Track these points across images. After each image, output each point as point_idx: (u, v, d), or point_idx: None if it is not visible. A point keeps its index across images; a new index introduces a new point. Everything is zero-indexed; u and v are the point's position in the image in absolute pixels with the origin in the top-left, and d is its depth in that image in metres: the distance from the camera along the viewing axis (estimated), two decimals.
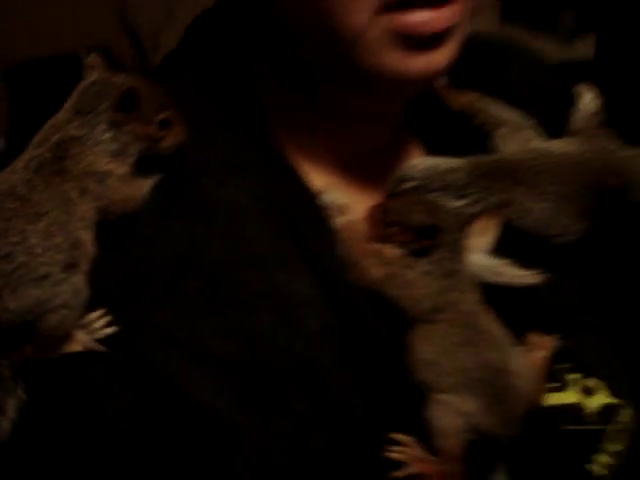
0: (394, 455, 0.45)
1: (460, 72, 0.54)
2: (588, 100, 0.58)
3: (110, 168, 0.40)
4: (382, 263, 0.47)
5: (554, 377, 0.52)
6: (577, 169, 0.52)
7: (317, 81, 0.48)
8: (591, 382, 0.54)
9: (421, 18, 0.42)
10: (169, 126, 0.42)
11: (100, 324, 0.40)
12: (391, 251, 0.47)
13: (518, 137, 0.54)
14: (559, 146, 0.54)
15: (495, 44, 0.62)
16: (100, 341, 0.40)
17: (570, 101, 0.59)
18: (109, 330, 0.40)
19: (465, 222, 0.49)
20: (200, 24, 0.51)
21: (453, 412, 0.46)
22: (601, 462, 0.53)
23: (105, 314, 0.40)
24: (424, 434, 0.46)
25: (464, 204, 0.50)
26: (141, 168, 0.42)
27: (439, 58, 0.44)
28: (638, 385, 0.61)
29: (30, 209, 0.38)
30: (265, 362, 0.43)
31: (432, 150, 0.54)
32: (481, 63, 0.58)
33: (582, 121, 0.57)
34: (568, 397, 0.53)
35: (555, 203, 0.52)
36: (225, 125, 0.48)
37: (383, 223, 0.48)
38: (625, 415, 0.55)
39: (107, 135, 0.40)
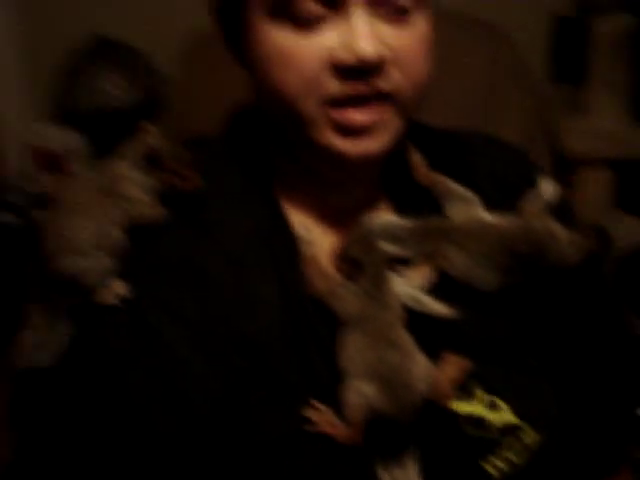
0: (310, 414, 0.64)
1: (437, 155, 0.74)
2: (543, 188, 0.74)
3: (139, 197, 0.65)
4: (327, 281, 0.67)
5: (465, 391, 0.68)
6: (497, 235, 0.69)
7: (300, 154, 0.70)
8: (498, 401, 0.68)
9: (351, 115, 0.63)
10: (187, 177, 0.67)
11: (120, 288, 0.65)
12: (334, 274, 0.67)
13: (463, 208, 0.71)
14: (491, 218, 0.70)
15: (473, 138, 0.79)
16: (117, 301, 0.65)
17: (528, 187, 0.75)
18: (126, 293, 0.65)
19: (393, 262, 0.68)
20: (237, 117, 0.76)
21: (358, 393, 0.63)
22: (495, 465, 0.67)
23: (124, 284, 0.65)
24: (339, 406, 0.65)
25: (400, 250, 0.68)
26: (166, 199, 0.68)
27: (369, 144, 0.64)
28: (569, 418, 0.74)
29: (85, 208, 0.64)
30: (225, 333, 0.65)
31: (399, 210, 0.73)
32: (454, 151, 0.76)
33: (529, 203, 0.73)
34: (474, 408, 0.68)
35: (474, 259, 0.68)
36: (239, 176, 0.71)
37: (335, 254, 0.68)
38: (527, 436, 0.68)
39: (140, 177, 0.65)
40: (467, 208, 0.71)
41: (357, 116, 0.63)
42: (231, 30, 0.68)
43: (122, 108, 2.04)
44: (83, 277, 0.64)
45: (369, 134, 0.64)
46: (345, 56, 0.61)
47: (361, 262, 0.66)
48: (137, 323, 0.65)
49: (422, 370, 0.65)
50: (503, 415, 0.68)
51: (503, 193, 0.75)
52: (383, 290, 0.66)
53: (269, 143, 0.73)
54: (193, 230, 0.68)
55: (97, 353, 0.65)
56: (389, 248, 0.68)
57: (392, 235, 0.69)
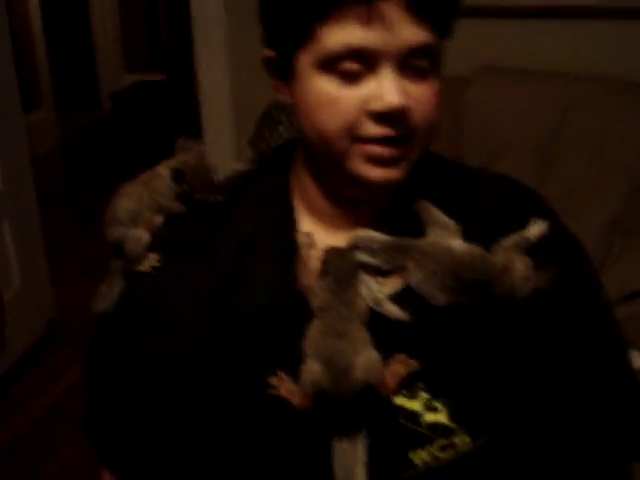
0: (274, 381, 0.79)
1: (438, 185, 0.88)
2: (530, 228, 0.83)
3: (164, 191, 0.86)
4: (309, 278, 0.82)
5: (410, 389, 0.79)
6: (449, 259, 0.79)
7: (329, 178, 0.85)
8: (437, 404, 0.78)
9: (377, 150, 0.78)
10: (204, 193, 0.86)
11: (153, 260, 0.85)
12: (315, 267, 0.82)
13: (439, 233, 0.82)
14: (455, 245, 0.80)
15: (482, 176, 0.92)
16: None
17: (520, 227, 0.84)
18: (155, 264, 0.85)
19: (368, 269, 0.81)
20: (285, 145, 0.95)
21: (309, 369, 0.77)
22: (421, 457, 0.77)
23: (157, 256, 0.86)
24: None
25: (373, 260, 0.81)
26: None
27: (390, 174, 0.79)
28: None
29: (130, 192, 0.86)
30: (222, 305, 0.83)
31: (390, 229, 0.84)
32: (456, 184, 0.89)
33: (507, 239, 0.82)
34: (413, 405, 0.78)
35: (425, 276, 0.79)
36: (266, 186, 0.90)
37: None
38: (458, 439, 0.77)
39: (171, 185, 0.86)
40: (441, 233, 0.82)
41: (380, 150, 0.78)
42: (284, 78, 0.84)
43: None
44: (124, 243, 0.86)
45: (394, 165, 0.79)
46: (377, 104, 0.76)
47: (330, 264, 0.80)
48: (157, 285, 0.86)
49: (365, 361, 0.77)
50: (438, 416, 0.78)
51: (493, 230, 0.85)
52: (346, 290, 0.80)
53: (302, 166, 0.89)
54: (215, 221, 0.87)
55: (128, 303, 0.88)
56: (363, 257, 0.82)
57: (369, 247, 0.82)
